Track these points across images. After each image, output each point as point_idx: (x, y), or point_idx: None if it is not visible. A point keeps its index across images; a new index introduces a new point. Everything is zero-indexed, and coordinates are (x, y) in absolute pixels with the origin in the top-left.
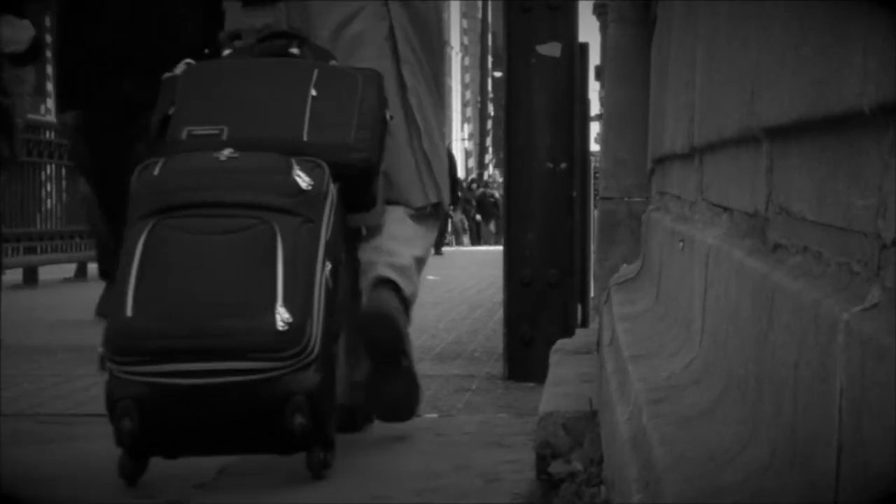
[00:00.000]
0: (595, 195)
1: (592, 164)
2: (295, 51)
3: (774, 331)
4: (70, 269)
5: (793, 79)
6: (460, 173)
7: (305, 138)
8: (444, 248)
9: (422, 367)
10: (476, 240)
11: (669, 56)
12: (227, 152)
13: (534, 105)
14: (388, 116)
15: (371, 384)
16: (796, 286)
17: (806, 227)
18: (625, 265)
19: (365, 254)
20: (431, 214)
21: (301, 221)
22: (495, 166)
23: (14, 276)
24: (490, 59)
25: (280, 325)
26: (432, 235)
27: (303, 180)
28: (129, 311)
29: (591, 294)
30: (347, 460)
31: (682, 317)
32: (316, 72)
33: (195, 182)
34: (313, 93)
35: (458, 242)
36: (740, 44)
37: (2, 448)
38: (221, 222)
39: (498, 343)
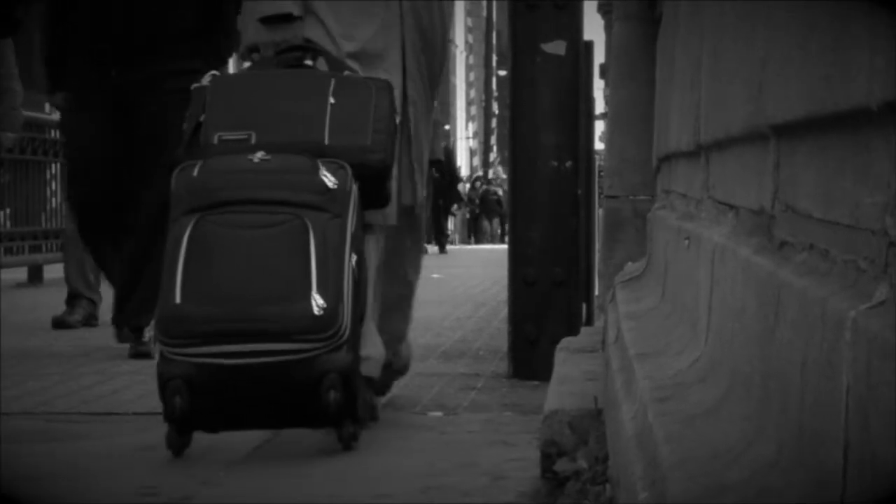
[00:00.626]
0: (600, 193)
1: (597, 163)
2: (309, 62)
3: (780, 328)
4: None
5: (800, 76)
6: (464, 171)
7: (327, 141)
8: (449, 247)
9: (427, 366)
10: (479, 238)
11: (675, 54)
12: (259, 155)
13: (538, 103)
14: (398, 121)
15: None
16: (803, 283)
17: (812, 225)
18: (630, 263)
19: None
20: (411, 215)
21: (329, 216)
22: (499, 164)
23: (19, 274)
24: (495, 57)
25: (316, 310)
26: (420, 235)
27: (329, 179)
28: (177, 299)
29: (596, 292)
30: (352, 458)
31: (687, 315)
32: (333, 81)
33: (232, 181)
34: (332, 100)
35: (469, 240)
36: (747, 42)
37: (5, 447)
38: (258, 218)
39: (503, 341)
